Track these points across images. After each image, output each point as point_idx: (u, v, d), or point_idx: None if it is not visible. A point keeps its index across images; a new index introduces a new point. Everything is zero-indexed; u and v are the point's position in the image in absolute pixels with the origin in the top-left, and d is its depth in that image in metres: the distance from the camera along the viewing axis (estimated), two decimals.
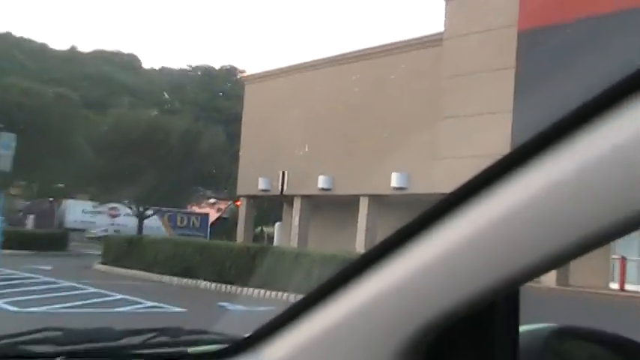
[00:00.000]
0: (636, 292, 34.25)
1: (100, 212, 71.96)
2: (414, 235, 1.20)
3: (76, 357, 1.47)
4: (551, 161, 1.04)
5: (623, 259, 36.45)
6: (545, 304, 26.42)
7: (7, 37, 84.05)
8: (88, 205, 70.99)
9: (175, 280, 25.58)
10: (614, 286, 36.44)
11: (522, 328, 1.37)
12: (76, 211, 73.79)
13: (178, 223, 62.38)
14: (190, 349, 1.57)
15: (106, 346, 1.54)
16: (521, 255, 1.08)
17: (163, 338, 1.62)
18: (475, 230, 1.12)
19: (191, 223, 72.83)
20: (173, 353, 1.56)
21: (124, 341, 1.58)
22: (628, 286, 35.67)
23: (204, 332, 1.70)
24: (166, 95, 79.17)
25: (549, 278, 35.18)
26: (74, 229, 67.31)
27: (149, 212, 59.71)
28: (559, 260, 1.07)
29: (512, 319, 1.32)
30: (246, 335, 1.48)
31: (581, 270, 36.28)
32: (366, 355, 1.27)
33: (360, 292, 1.27)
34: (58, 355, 1.46)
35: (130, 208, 62.95)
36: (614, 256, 37.52)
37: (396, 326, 1.22)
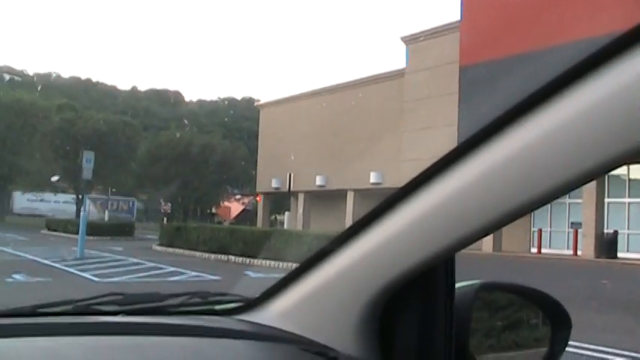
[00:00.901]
0: (549, 254, 34.33)
1: (42, 200, 70.30)
2: (376, 217, 1.22)
3: (133, 314, 1.47)
4: (471, 162, 1.07)
5: (540, 231, 36.58)
6: (484, 264, 26.61)
7: (87, 81, 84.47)
8: (32, 195, 68.76)
9: (213, 256, 25.56)
10: (534, 250, 36.53)
11: (456, 285, 1.35)
12: (22, 200, 71.63)
13: (109, 208, 61.10)
14: (217, 307, 1.59)
15: (154, 306, 1.56)
16: (455, 230, 1.10)
17: (196, 299, 1.62)
18: (421, 213, 1.14)
19: (120, 207, 69.85)
20: (204, 310, 1.58)
21: (167, 302, 1.58)
22: (543, 250, 35.78)
23: (227, 294, 1.70)
24: (203, 120, 79.20)
25: (487, 246, 35.27)
26: (20, 214, 67.44)
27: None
28: (483, 232, 1.09)
29: (450, 277, 1.31)
30: (257, 295, 1.50)
31: (510, 239, 36.44)
32: (344, 306, 1.29)
33: (339, 260, 1.29)
34: (120, 312, 1.47)
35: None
36: (533, 229, 37.65)
37: (366, 284, 1.24)
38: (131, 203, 72.31)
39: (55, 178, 61.00)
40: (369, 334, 1.28)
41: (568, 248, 34.92)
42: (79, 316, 1.45)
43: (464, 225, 1.09)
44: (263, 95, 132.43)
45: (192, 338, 1.35)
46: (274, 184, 52.21)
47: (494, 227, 1.08)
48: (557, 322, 1.49)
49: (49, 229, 44.68)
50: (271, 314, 1.42)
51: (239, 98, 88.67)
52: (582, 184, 0.99)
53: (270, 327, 1.39)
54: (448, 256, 1.21)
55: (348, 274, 1.27)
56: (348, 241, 1.27)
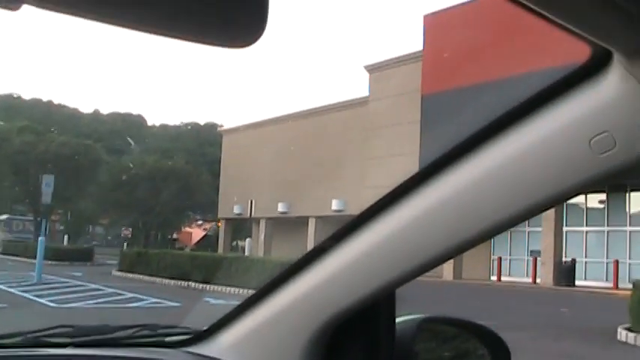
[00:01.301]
0: (508, 282, 34.55)
1: None
2: (323, 251, 1.25)
3: (83, 346, 1.47)
4: (425, 193, 1.10)
5: (500, 259, 36.83)
6: (449, 290, 26.62)
7: (49, 104, 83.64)
8: None
9: (173, 282, 25.38)
10: (494, 278, 36.74)
11: (400, 319, 1.40)
12: None
13: (14, 228, 59.70)
14: (166, 339, 1.58)
15: (104, 338, 1.55)
16: (401, 262, 1.14)
17: (145, 331, 1.61)
18: (367, 247, 1.18)
19: (25, 227, 65.02)
20: (154, 342, 1.56)
21: (117, 334, 1.57)
22: (503, 278, 36.01)
23: (176, 326, 1.72)
24: (166, 144, 78.92)
25: (448, 273, 35.42)
26: None
27: None
28: (426, 268, 1.14)
29: (390, 312, 1.34)
30: (205, 328, 1.50)
31: (470, 267, 36.62)
32: (291, 339, 1.30)
33: (287, 294, 1.32)
34: (70, 345, 1.46)
35: None
36: (493, 257, 37.90)
37: (312, 317, 1.27)
38: (35, 224, 68.67)
39: (2, 217, 60.20)
40: None
41: (527, 276, 35.19)
42: (29, 348, 1.44)
43: (409, 261, 1.13)
44: (226, 121, 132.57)
45: None
46: (236, 209, 52.04)
47: (443, 259, 1.12)
48: (497, 355, 1.53)
49: (5, 253, 43.94)
50: (220, 346, 1.43)
51: (202, 123, 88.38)
52: (537, 214, 1.03)
53: (218, 359, 1.40)
54: (394, 288, 1.25)
55: (296, 307, 1.30)
56: (296, 275, 1.30)
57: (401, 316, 1.41)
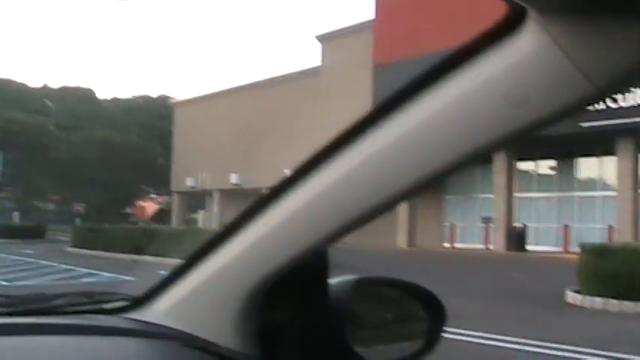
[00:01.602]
0: (461, 248, 34.97)
1: None
2: (253, 214, 1.28)
3: (18, 315, 1.45)
4: (340, 161, 1.15)
5: (452, 225, 37.20)
6: (402, 257, 26.81)
7: None
8: None
9: (127, 256, 25.22)
10: (447, 244, 37.14)
11: (334, 280, 1.40)
12: None
13: None
14: (104, 305, 1.57)
15: (40, 306, 1.55)
16: (327, 224, 1.17)
17: (83, 298, 1.61)
18: (294, 208, 1.21)
19: None
20: (91, 309, 1.56)
21: (54, 302, 1.56)
22: (456, 244, 36.43)
23: (114, 293, 1.70)
24: (118, 118, 77.79)
25: (401, 241, 35.73)
26: None
27: None
28: (354, 226, 1.16)
29: (324, 272, 1.36)
30: (142, 294, 1.50)
31: (423, 234, 36.98)
32: (225, 302, 1.32)
33: (220, 257, 1.33)
34: (3, 314, 1.44)
35: None
36: (446, 224, 38.29)
37: (244, 279, 1.29)
38: None
39: None
40: (250, 327, 1.32)
41: (480, 242, 35.63)
42: None
43: (335, 220, 1.16)
44: (178, 93, 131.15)
45: (77, 337, 1.34)
46: (189, 182, 51.80)
47: (361, 222, 1.15)
48: (434, 314, 1.54)
49: None
50: (157, 312, 1.43)
51: (154, 96, 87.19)
52: (458, 170, 1.07)
53: (155, 324, 1.40)
54: (324, 247, 1.26)
55: (228, 269, 1.32)
56: (228, 237, 1.32)
57: (336, 278, 1.42)
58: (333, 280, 1.40)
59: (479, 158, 1.05)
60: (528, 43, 0.95)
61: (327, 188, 1.16)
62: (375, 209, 1.13)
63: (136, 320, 1.45)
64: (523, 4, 0.91)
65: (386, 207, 1.13)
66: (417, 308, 1.55)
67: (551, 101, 0.95)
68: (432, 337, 1.52)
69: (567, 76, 0.93)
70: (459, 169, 1.07)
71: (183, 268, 1.41)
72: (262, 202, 1.27)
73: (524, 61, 0.96)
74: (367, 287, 1.53)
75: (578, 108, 0.96)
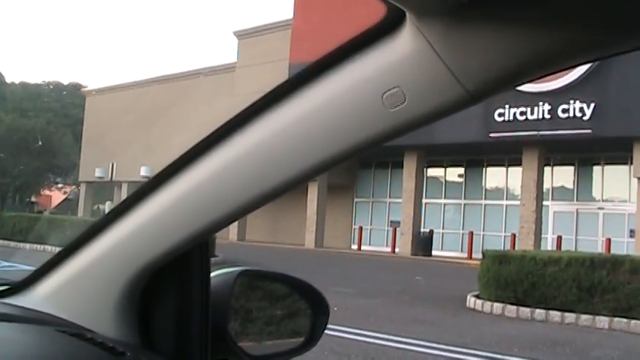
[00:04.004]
0: (369, 251, 35.32)
1: None
2: (134, 202, 1.29)
3: None
4: (222, 151, 1.17)
5: (361, 228, 37.59)
6: (310, 258, 26.92)
7: None
8: None
9: (29, 245, 24.68)
10: (355, 247, 37.47)
11: (216, 272, 1.41)
12: None
13: None
14: None
15: None
16: (206, 214, 1.19)
17: None
18: (174, 197, 1.23)
19: None
20: None
21: None
22: (363, 247, 36.78)
23: None
24: (26, 104, 75.83)
25: (310, 242, 35.84)
26: None
27: None
28: (234, 217, 1.19)
29: (205, 264, 1.37)
30: (21, 279, 1.47)
31: (332, 236, 37.23)
32: (103, 289, 1.32)
33: (100, 243, 1.33)
34: None
35: None
36: (354, 226, 38.67)
37: (123, 267, 1.29)
38: None
39: None
40: (129, 316, 1.33)
41: (387, 245, 36.09)
42: None
43: (215, 210, 1.18)
44: (91, 82, 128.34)
45: None
46: (98, 173, 50.71)
47: (240, 213, 1.18)
48: (317, 309, 1.55)
49: None
50: (36, 297, 1.42)
51: (65, 83, 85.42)
52: (335, 165, 1.09)
53: (32, 310, 1.39)
54: (205, 236, 1.27)
55: (107, 257, 1.32)
56: (110, 226, 1.32)
57: (219, 269, 1.43)
58: (216, 272, 1.41)
59: (355, 155, 1.07)
60: (405, 45, 0.97)
61: (208, 179, 1.18)
62: (254, 201, 1.15)
63: (12, 305, 1.42)
64: (400, 6, 0.93)
65: (264, 199, 1.15)
66: (302, 303, 1.57)
67: (426, 103, 0.98)
68: (314, 333, 1.54)
69: (441, 79, 0.95)
70: (335, 165, 1.09)
71: (63, 255, 1.39)
72: (144, 191, 1.28)
73: (401, 62, 0.98)
74: (250, 280, 1.54)
75: (451, 110, 0.98)
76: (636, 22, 0.87)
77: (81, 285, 1.36)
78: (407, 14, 0.95)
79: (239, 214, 1.18)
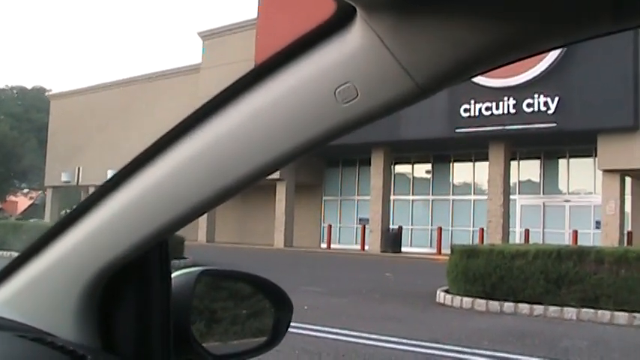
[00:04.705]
0: (338, 249, 35.36)
1: None
2: (91, 205, 1.28)
3: None
4: (177, 151, 1.17)
5: (330, 226, 37.59)
6: (280, 257, 26.88)
7: None
8: None
9: None
10: (324, 245, 37.49)
11: (176, 273, 1.41)
12: None
13: None
14: None
15: None
16: (162, 214, 1.19)
17: None
18: (131, 198, 1.22)
19: None
20: None
21: None
22: (333, 245, 36.80)
23: None
24: None
25: (279, 241, 35.78)
26: None
27: None
28: (186, 218, 1.19)
29: (164, 264, 1.36)
30: None
31: (301, 235, 37.21)
32: (63, 292, 1.31)
33: (58, 247, 1.32)
34: None
35: None
36: (323, 224, 38.70)
37: (82, 270, 1.28)
38: None
39: None
40: (89, 319, 1.32)
41: (356, 243, 36.19)
42: None
43: (171, 210, 1.19)
44: (55, 86, 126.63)
45: None
46: (64, 177, 50.33)
47: (197, 212, 1.19)
48: (280, 307, 1.56)
49: None
50: None
51: (29, 87, 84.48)
52: (289, 162, 1.10)
53: None
54: (160, 238, 1.27)
55: (66, 260, 1.31)
56: (67, 229, 1.31)
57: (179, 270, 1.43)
58: (176, 273, 1.40)
59: (310, 151, 1.08)
60: (356, 40, 0.98)
61: (164, 178, 1.18)
62: (211, 199, 1.16)
63: None
64: (350, 1, 0.93)
65: (221, 197, 1.16)
66: (266, 302, 1.57)
67: (377, 97, 0.99)
68: (278, 331, 1.54)
69: (392, 73, 0.96)
70: (291, 161, 1.10)
71: (22, 259, 1.38)
72: (101, 193, 1.26)
73: (352, 57, 0.99)
74: (214, 280, 1.55)
75: (402, 104, 0.99)
76: (586, 11, 0.88)
77: (40, 289, 1.35)
78: (357, 9, 0.95)
79: (196, 212, 1.19)
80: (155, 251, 1.33)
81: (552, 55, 27.50)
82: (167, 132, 1.19)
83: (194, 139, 1.15)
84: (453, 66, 0.94)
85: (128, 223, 1.23)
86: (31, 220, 38.07)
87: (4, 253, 23.76)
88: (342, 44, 1.00)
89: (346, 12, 0.97)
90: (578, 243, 25.33)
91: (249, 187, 1.15)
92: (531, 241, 28.09)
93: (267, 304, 1.57)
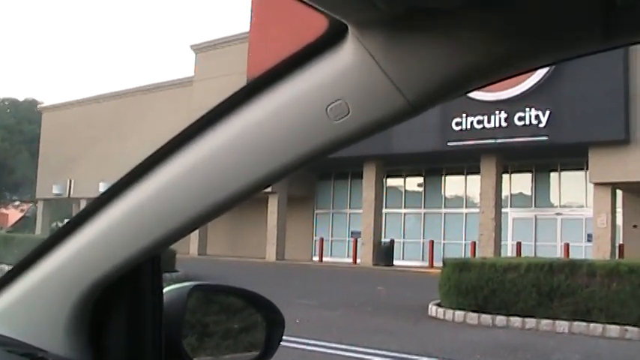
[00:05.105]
0: (330, 262, 35.30)
1: None
2: (83, 220, 1.28)
3: None
4: (172, 165, 1.17)
5: (322, 240, 37.53)
6: (272, 271, 26.86)
7: None
8: None
9: None
10: (316, 258, 37.42)
11: (169, 287, 1.41)
12: None
13: None
14: None
15: None
16: (153, 231, 1.19)
17: None
18: (123, 214, 1.22)
19: None
20: None
21: None
22: (325, 258, 36.73)
23: None
24: None
25: (271, 255, 35.70)
26: None
27: None
28: (183, 232, 1.19)
29: (156, 279, 1.36)
30: None
31: (293, 248, 37.14)
32: (53, 307, 1.31)
33: (48, 262, 1.31)
34: None
35: None
36: (315, 238, 38.64)
37: (72, 285, 1.28)
38: None
39: None
40: (80, 334, 1.31)
41: (348, 256, 36.11)
42: None
43: (164, 224, 1.19)
44: (47, 98, 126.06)
45: None
46: (55, 190, 50.13)
47: (190, 227, 1.18)
48: (272, 321, 1.56)
49: None
50: None
51: (21, 99, 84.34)
52: (282, 177, 1.11)
53: None
54: (155, 251, 1.26)
55: (57, 274, 1.31)
56: (59, 243, 1.31)
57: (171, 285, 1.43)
58: (168, 288, 1.40)
59: (302, 167, 1.09)
60: (348, 57, 0.98)
61: (156, 193, 1.18)
62: (203, 214, 1.16)
63: None
64: (341, 19, 0.94)
65: (213, 212, 1.16)
66: (257, 317, 1.57)
67: (369, 114, 0.99)
68: (270, 345, 1.54)
69: (383, 90, 0.97)
70: (284, 177, 1.11)
71: (13, 274, 1.38)
72: (93, 207, 1.27)
73: (344, 74, 0.99)
74: (205, 294, 1.55)
75: (394, 121, 1.00)
76: (574, 31, 0.89)
77: (31, 304, 1.34)
78: (348, 27, 0.96)
79: (190, 226, 1.18)
80: (147, 265, 1.33)
81: (543, 69, 27.57)
82: (161, 146, 1.19)
83: (188, 153, 1.15)
84: (445, 83, 0.94)
85: (122, 236, 1.23)
86: (25, 234, 37.89)
87: None
88: (334, 61, 1.00)
89: (338, 29, 0.98)
90: (570, 256, 25.33)
91: (243, 201, 1.15)
92: (523, 254, 28.05)
93: (258, 318, 1.57)
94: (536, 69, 0.98)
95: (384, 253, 33.69)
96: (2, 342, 1.32)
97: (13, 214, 75.74)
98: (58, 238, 1.31)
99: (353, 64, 0.98)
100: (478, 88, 0.98)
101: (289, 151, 1.06)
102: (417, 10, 0.91)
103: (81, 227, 1.28)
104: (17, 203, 75.88)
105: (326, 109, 1.01)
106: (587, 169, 29.13)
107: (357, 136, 1.02)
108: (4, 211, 74.00)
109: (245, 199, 1.15)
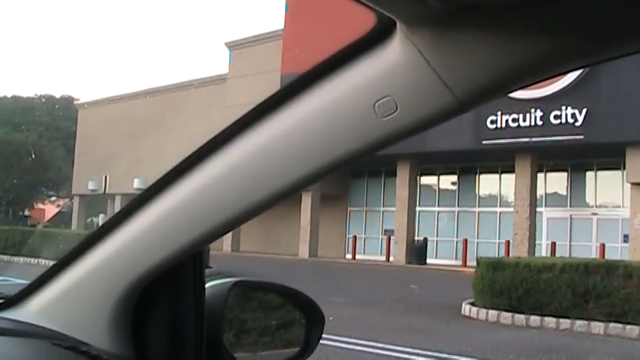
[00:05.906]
0: (363, 260, 35.26)
1: None
2: (127, 216, 1.29)
3: None
4: (211, 165, 1.18)
5: (355, 237, 37.50)
6: (304, 268, 26.93)
7: None
8: None
9: (22, 259, 24.52)
10: (349, 256, 37.40)
11: (210, 283, 1.42)
12: None
13: None
14: None
15: None
16: (197, 226, 1.20)
17: None
18: (166, 210, 1.23)
19: None
20: None
21: None
22: (358, 256, 36.69)
23: None
24: (17, 118, 75.72)
25: (304, 252, 35.75)
26: None
27: None
28: (224, 229, 1.19)
29: (199, 275, 1.37)
30: (16, 293, 1.47)
31: (326, 246, 37.14)
32: (97, 302, 1.32)
33: (93, 257, 1.33)
34: None
35: None
36: (348, 235, 38.61)
37: (117, 280, 1.29)
38: None
39: None
40: (123, 328, 1.33)
41: (381, 254, 36.03)
42: None
43: (208, 221, 1.19)
44: (83, 94, 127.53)
45: None
46: (91, 186, 50.63)
47: (233, 224, 1.19)
48: (311, 319, 1.55)
49: None
50: (30, 311, 1.42)
51: (58, 96, 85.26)
52: (327, 175, 1.10)
53: (27, 323, 1.39)
54: (198, 248, 1.27)
55: (101, 270, 1.32)
56: (102, 238, 1.33)
57: (212, 280, 1.43)
58: (210, 283, 1.41)
59: (348, 165, 1.08)
60: (396, 53, 0.98)
61: (200, 190, 1.19)
62: (247, 212, 1.16)
63: (7, 319, 1.42)
64: (390, 15, 0.93)
65: (257, 210, 1.15)
66: (296, 314, 1.57)
67: (417, 111, 0.99)
68: (309, 343, 1.54)
69: (432, 87, 0.96)
70: (328, 175, 1.10)
71: (57, 268, 1.39)
72: (137, 203, 1.28)
73: (392, 71, 0.99)
74: (244, 291, 1.54)
75: (442, 118, 0.99)
76: (623, 30, 0.87)
77: (75, 298, 1.36)
78: (397, 23, 0.95)
79: (232, 224, 1.19)
80: (189, 262, 1.34)
81: None
82: (203, 144, 1.19)
83: (231, 151, 1.15)
84: (494, 80, 0.94)
85: (164, 234, 1.24)
86: (61, 229, 38.34)
87: (33, 260, 23.96)
88: (382, 58, 0.99)
89: (386, 26, 0.97)
90: (606, 257, 25.06)
91: (288, 198, 1.15)
92: (558, 254, 27.79)
93: (297, 315, 1.57)
94: (586, 66, 0.97)
95: (417, 252, 33.57)
96: (47, 335, 1.34)
97: (50, 210, 76.62)
98: (101, 233, 1.33)
99: (401, 60, 0.97)
100: (526, 86, 0.97)
101: (336, 148, 1.05)
102: (466, 7, 0.90)
103: (124, 224, 1.29)
104: (53, 199, 76.81)
105: (374, 105, 1.00)
106: (624, 168, 28.79)
107: (405, 133, 1.02)
108: (40, 206, 74.91)
109: (289, 197, 1.15)
